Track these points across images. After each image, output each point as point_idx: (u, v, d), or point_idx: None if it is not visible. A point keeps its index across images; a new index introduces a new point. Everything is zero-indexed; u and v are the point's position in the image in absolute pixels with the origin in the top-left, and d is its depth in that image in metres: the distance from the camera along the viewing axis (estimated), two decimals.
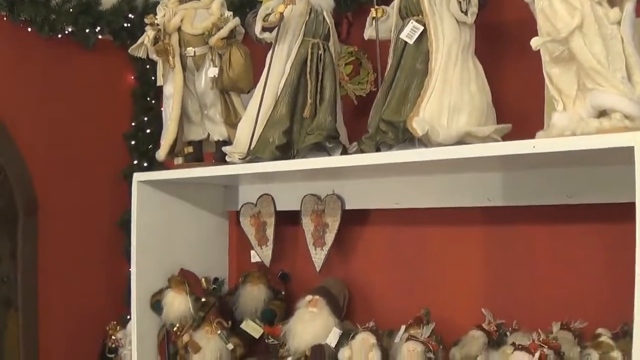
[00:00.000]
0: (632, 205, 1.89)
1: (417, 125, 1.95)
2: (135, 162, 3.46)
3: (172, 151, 2.66)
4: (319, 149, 2.27)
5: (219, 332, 2.50)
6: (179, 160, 2.71)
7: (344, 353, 2.10)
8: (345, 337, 2.27)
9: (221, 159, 2.55)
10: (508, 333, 2.19)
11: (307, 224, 2.70)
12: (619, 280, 2.14)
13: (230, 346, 2.48)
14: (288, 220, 2.84)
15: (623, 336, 1.99)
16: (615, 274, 2.15)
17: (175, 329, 2.65)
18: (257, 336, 2.63)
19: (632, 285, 2.03)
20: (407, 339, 2.03)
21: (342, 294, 2.61)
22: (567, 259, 2.30)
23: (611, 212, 2.15)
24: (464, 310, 2.40)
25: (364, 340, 2.10)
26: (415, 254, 2.59)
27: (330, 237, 2.64)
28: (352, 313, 2.66)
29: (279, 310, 2.74)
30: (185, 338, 2.49)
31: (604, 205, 2.16)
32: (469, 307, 2.39)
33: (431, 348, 2.02)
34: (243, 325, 2.65)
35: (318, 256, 2.66)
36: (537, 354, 1.87)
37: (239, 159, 2.38)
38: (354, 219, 2.68)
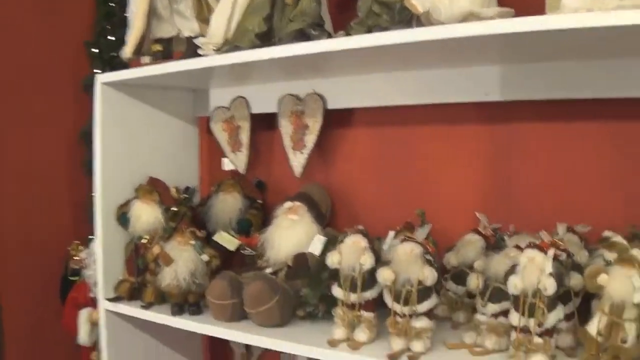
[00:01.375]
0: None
1: (417, 1, 1.70)
2: (97, 71, 3.11)
3: (139, 50, 2.39)
4: (302, 37, 2.00)
5: (192, 242, 2.23)
6: (146, 60, 2.43)
7: (332, 258, 1.87)
8: (330, 244, 2.04)
9: (192, 57, 2.26)
10: (506, 237, 1.97)
11: (286, 126, 2.46)
12: (625, 182, 1.98)
13: (205, 257, 2.23)
14: (264, 124, 2.61)
15: (632, 239, 1.81)
16: (622, 175, 1.99)
17: (144, 241, 2.38)
18: (232, 248, 2.40)
19: None
20: (404, 240, 1.79)
21: (324, 201, 2.39)
22: (569, 160, 2.11)
23: (618, 109, 1.99)
24: (457, 215, 2.22)
25: (355, 243, 1.87)
26: (404, 156, 2.38)
27: (310, 140, 2.41)
28: (335, 221, 2.45)
29: (256, 219, 2.51)
30: (156, 250, 2.22)
31: (609, 101, 1.97)
32: (463, 212, 2.20)
33: (429, 250, 1.78)
34: (216, 237, 2.41)
35: (297, 160, 2.43)
36: (550, 252, 1.66)
37: (214, 50, 2.11)
38: (337, 120, 2.45)
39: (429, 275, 1.74)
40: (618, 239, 1.80)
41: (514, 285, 1.65)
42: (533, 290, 1.63)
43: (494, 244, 2.01)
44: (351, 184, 2.47)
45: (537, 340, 1.65)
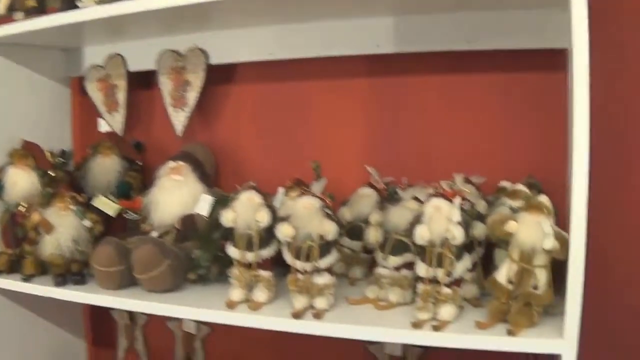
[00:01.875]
0: (535, 53, 1.88)
1: None
2: None
3: (12, 6, 2.21)
4: None
5: (73, 207, 2.05)
6: (19, 16, 2.21)
7: (227, 216, 1.75)
8: (219, 204, 1.93)
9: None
10: (399, 190, 1.91)
11: (165, 84, 2.31)
12: (519, 134, 1.96)
13: (88, 223, 2.06)
14: (142, 82, 2.44)
15: (530, 189, 1.80)
16: (517, 127, 1.96)
17: (21, 209, 2.18)
18: (112, 214, 2.23)
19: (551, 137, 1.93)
20: (302, 194, 1.70)
21: (208, 160, 2.27)
22: (461, 112, 2.08)
23: (507, 61, 1.98)
24: (349, 169, 2.15)
25: (249, 200, 1.76)
26: (293, 111, 2.28)
27: (192, 97, 2.27)
28: (220, 181, 2.34)
29: (135, 182, 2.36)
30: (35, 218, 2.03)
31: (499, 53, 1.95)
32: (355, 166, 2.13)
33: (328, 204, 1.70)
34: (96, 202, 2.24)
35: (179, 118, 2.30)
36: (457, 200, 1.60)
37: (95, 2, 1.93)
38: (220, 75, 2.31)
39: (330, 229, 1.65)
40: (520, 187, 1.76)
41: (421, 235, 1.58)
42: (441, 240, 1.57)
43: (387, 198, 1.96)
44: (236, 142, 2.36)
45: (446, 290, 1.60)
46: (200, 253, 1.95)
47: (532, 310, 1.56)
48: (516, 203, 1.71)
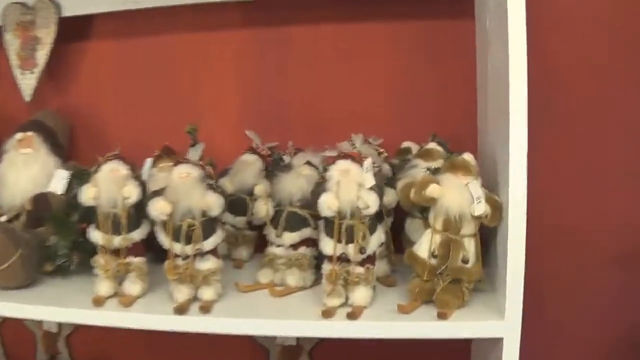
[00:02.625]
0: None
1: None
2: None
3: None
4: None
5: None
6: None
7: (87, 193, 1.41)
8: (77, 180, 1.59)
9: None
10: (285, 156, 1.64)
11: (11, 41, 1.93)
12: (420, 89, 1.71)
13: None
14: None
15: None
16: (418, 81, 1.72)
17: None
18: None
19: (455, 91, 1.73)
20: (177, 163, 1.37)
21: (62, 128, 1.89)
22: (356, 67, 1.82)
23: (413, 7, 1.75)
24: (226, 136, 1.84)
25: (113, 172, 1.42)
26: (160, 69, 1.93)
27: (42, 56, 1.90)
28: (76, 153, 1.95)
29: None
30: None
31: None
32: (234, 131, 1.82)
33: (209, 173, 1.38)
34: None
35: (27, 81, 1.91)
36: (367, 162, 1.32)
37: None
38: (74, 30, 1.93)
39: (215, 203, 1.35)
40: (432, 146, 1.50)
41: (328, 205, 1.29)
42: (351, 210, 1.28)
43: (273, 165, 1.66)
44: (95, 107, 1.99)
45: (358, 270, 1.32)
46: (56, 239, 1.58)
47: (461, 287, 1.31)
48: (433, 164, 1.44)
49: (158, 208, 1.33)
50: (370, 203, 1.27)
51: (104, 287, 1.42)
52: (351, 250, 1.30)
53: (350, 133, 1.56)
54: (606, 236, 1.72)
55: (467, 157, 1.35)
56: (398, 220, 1.54)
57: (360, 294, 1.32)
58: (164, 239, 1.37)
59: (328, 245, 1.31)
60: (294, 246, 1.47)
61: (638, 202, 1.71)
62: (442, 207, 1.28)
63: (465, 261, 1.29)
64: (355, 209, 1.28)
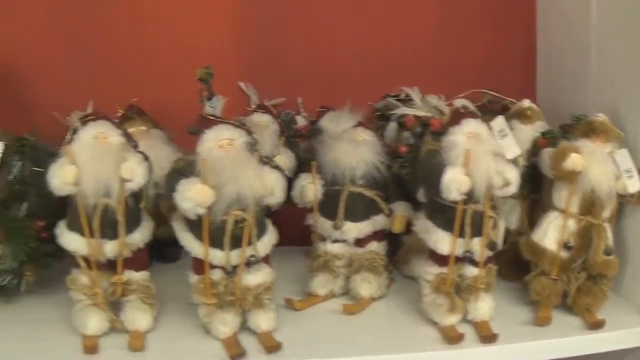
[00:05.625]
0: None
1: None
2: None
3: None
4: None
5: None
6: None
7: (65, 174, 0.79)
8: (16, 153, 1.01)
9: None
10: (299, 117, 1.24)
11: None
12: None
13: None
14: None
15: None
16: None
17: None
18: None
19: None
20: (209, 124, 0.86)
21: None
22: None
23: None
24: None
25: (101, 139, 0.85)
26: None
27: None
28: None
29: None
30: None
31: None
32: (225, 84, 1.27)
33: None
34: None
35: None
36: (498, 122, 0.93)
37: None
38: None
39: (277, 185, 0.87)
40: (529, 104, 1.09)
41: (458, 185, 0.86)
42: (487, 187, 0.85)
43: (285, 129, 1.19)
44: (30, 54, 1.29)
45: (475, 271, 0.93)
46: (2, 247, 1.00)
47: (600, 286, 0.97)
48: (532, 127, 1.05)
49: (199, 196, 0.82)
50: (513, 179, 0.86)
51: (94, 321, 0.88)
52: (477, 246, 0.87)
53: (370, 86, 1.20)
54: None
55: (602, 117, 0.96)
56: None
57: (484, 305, 0.92)
58: (192, 244, 0.86)
59: (444, 241, 0.88)
60: (360, 241, 1.01)
61: None
62: (584, 183, 0.92)
63: (608, 252, 0.92)
64: (487, 188, 0.85)
